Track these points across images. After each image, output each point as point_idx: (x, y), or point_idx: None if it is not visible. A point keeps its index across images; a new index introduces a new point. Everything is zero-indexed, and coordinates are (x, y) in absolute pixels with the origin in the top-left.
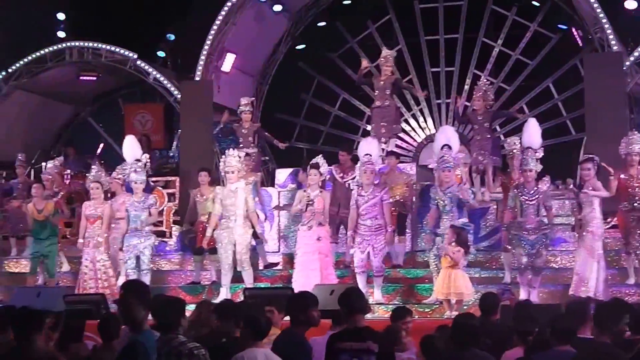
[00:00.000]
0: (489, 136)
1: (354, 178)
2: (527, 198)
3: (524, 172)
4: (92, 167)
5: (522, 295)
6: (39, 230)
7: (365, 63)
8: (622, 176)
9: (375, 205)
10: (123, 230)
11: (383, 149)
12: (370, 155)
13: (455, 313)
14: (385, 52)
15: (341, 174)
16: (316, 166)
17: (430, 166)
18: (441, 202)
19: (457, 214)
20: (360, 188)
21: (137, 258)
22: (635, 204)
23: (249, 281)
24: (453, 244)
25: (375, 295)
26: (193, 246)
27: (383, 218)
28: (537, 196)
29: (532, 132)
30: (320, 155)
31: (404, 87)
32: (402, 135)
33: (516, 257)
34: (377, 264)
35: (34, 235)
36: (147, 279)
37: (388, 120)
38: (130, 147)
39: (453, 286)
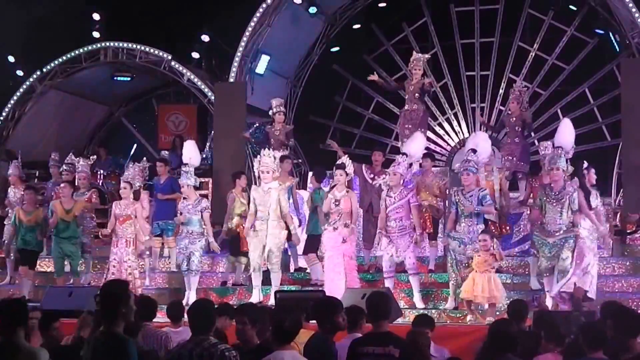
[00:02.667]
0: (518, 140)
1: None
2: (551, 199)
3: (551, 170)
4: (128, 167)
5: (547, 301)
6: (61, 230)
7: (373, 77)
8: None
9: (402, 207)
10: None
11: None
12: (404, 154)
13: (490, 318)
14: (414, 55)
15: (372, 175)
16: (342, 167)
17: (454, 169)
18: (462, 206)
19: (476, 219)
20: (389, 189)
21: (188, 259)
22: None
23: (275, 283)
24: (492, 248)
25: (415, 298)
26: (225, 248)
27: (409, 220)
28: (563, 199)
29: (566, 132)
30: (346, 156)
31: (426, 90)
32: (435, 139)
33: (539, 261)
34: (408, 262)
35: (56, 234)
36: (195, 280)
37: (413, 123)
38: (190, 151)
39: (495, 290)
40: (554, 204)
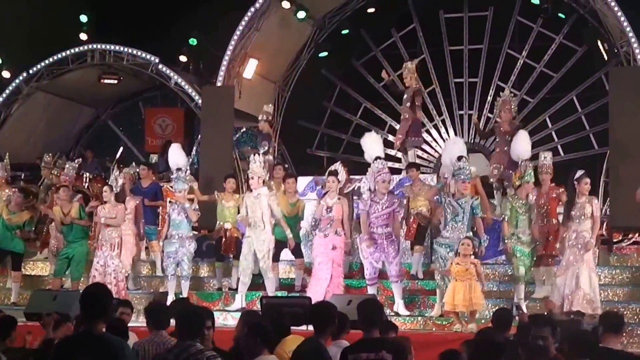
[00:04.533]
0: (507, 149)
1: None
2: (523, 210)
3: (526, 183)
4: (112, 172)
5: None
6: (66, 233)
7: (384, 74)
8: None
9: (388, 215)
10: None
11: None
12: (381, 159)
13: (472, 325)
14: (405, 64)
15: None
16: (334, 173)
17: (445, 177)
18: (452, 211)
19: (465, 225)
20: (374, 194)
21: (177, 264)
22: None
23: (270, 289)
24: (472, 256)
25: (397, 306)
26: (212, 253)
27: (393, 226)
28: (528, 206)
29: (521, 142)
30: (339, 162)
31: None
32: (423, 145)
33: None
34: (393, 269)
35: (64, 238)
36: (186, 285)
37: (403, 132)
38: (176, 155)
39: (474, 297)
40: (525, 215)
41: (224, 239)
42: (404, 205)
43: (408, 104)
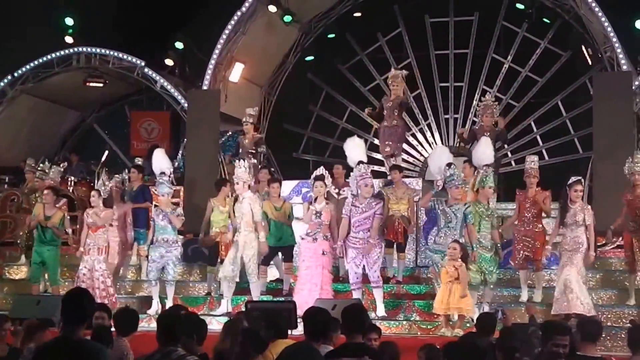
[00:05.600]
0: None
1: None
2: (485, 215)
3: (482, 189)
4: (100, 176)
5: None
6: (42, 233)
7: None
8: (627, 196)
9: (369, 218)
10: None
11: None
12: (364, 164)
13: (458, 330)
14: (393, 72)
15: (336, 189)
16: (321, 178)
17: (438, 183)
18: (445, 217)
19: (457, 232)
20: (355, 199)
21: (162, 268)
22: None
23: (255, 294)
24: (459, 260)
25: (378, 310)
26: (198, 257)
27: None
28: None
29: (482, 149)
30: (322, 167)
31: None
32: (408, 149)
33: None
34: (374, 275)
35: (38, 237)
36: (171, 290)
37: (393, 139)
38: (159, 159)
39: (454, 301)
40: (487, 220)
41: (221, 244)
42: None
43: (396, 112)
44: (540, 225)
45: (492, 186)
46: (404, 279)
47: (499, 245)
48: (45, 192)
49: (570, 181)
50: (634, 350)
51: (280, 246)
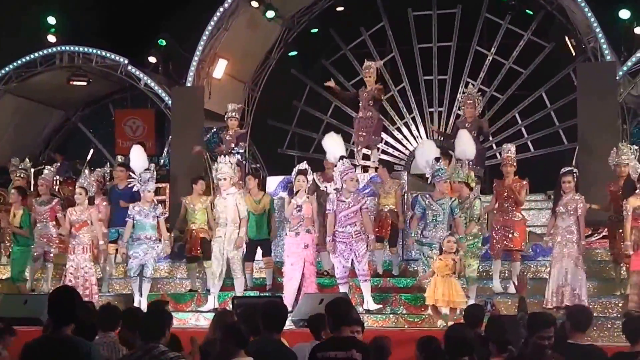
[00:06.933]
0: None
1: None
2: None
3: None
4: (83, 173)
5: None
6: (14, 236)
7: (329, 83)
8: (611, 188)
9: (355, 213)
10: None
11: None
12: (347, 159)
13: (451, 323)
14: (366, 63)
15: (324, 181)
16: (304, 172)
17: (427, 176)
18: (433, 212)
19: (446, 225)
20: (340, 194)
21: (143, 265)
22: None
23: (239, 290)
24: (453, 253)
25: (367, 303)
26: (183, 254)
27: (362, 225)
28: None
29: (464, 142)
30: (305, 162)
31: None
32: (393, 143)
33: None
34: (362, 268)
35: (13, 239)
36: (148, 287)
37: (367, 131)
38: (138, 156)
39: (454, 295)
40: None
41: (188, 239)
42: (376, 202)
43: (371, 103)
44: (520, 215)
45: (463, 180)
46: (390, 273)
47: (479, 237)
48: (12, 192)
49: (562, 171)
50: (632, 341)
51: (259, 239)
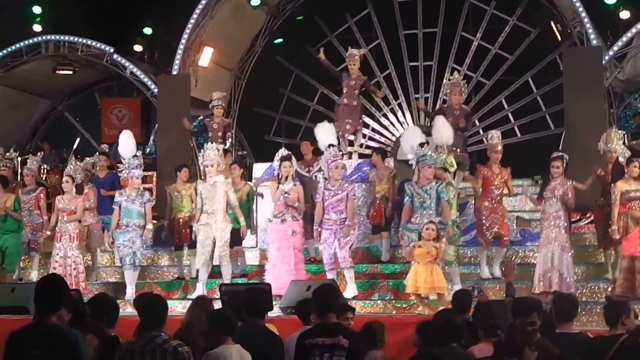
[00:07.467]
0: (460, 133)
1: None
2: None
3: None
4: (70, 161)
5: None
6: (1, 222)
7: (321, 54)
8: (599, 172)
9: (342, 200)
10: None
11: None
12: (334, 147)
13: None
14: (350, 51)
15: (307, 168)
16: (288, 158)
17: (410, 163)
18: (419, 198)
19: (434, 211)
20: (327, 181)
21: (133, 253)
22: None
23: (227, 277)
24: (433, 240)
25: (349, 290)
26: (170, 242)
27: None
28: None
29: (445, 128)
30: (283, 148)
31: (371, 90)
32: (380, 129)
33: None
34: (343, 256)
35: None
36: (136, 274)
37: (354, 117)
38: (127, 142)
39: (436, 280)
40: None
41: (176, 228)
42: (371, 189)
43: (356, 92)
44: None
45: (441, 166)
46: (378, 259)
47: (455, 222)
48: None
49: (552, 156)
50: (611, 325)
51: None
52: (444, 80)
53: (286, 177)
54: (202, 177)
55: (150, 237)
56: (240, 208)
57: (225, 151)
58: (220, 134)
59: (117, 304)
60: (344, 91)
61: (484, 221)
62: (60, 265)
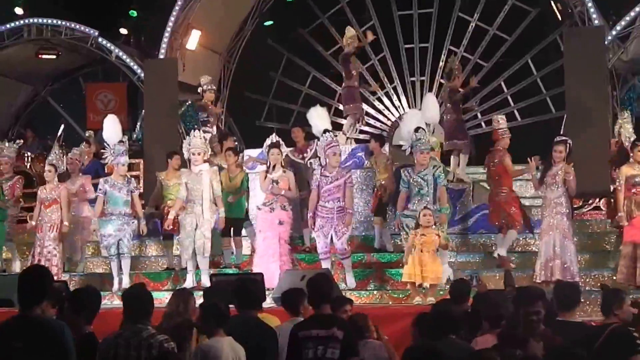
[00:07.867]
0: (459, 117)
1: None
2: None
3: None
4: (53, 149)
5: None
6: None
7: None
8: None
9: (339, 187)
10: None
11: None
12: (330, 132)
13: (431, 299)
14: (350, 32)
15: (300, 155)
16: (277, 145)
17: (403, 149)
18: (416, 185)
19: (431, 197)
20: (323, 168)
21: (118, 242)
22: None
23: (204, 267)
24: (434, 227)
25: (348, 280)
26: (159, 231)
27: (345, 200)
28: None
29: (433, 107)
30: (274, 135)
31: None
32: (375, 114)
33: None
34: (340, 246)
35: None
36: (128, 263)
37: (357, 100)
38: (112, 127)
39: (438, 271)
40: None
41: (165, 216)
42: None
43: (354, 72)
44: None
45: (426, 151)
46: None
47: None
48: None
49: (555, 140)
50: (605, 313)
51: (232, 218)
52: (440, 63)
53: (274, 166)
54: (188, 166)
55: (146, 230)
56: (236, 195)
57: (226, 135)
58: (212, 119)
59: (98, 299)
60: (354, 74)
61: (505, 207)
62: (39, 254)
